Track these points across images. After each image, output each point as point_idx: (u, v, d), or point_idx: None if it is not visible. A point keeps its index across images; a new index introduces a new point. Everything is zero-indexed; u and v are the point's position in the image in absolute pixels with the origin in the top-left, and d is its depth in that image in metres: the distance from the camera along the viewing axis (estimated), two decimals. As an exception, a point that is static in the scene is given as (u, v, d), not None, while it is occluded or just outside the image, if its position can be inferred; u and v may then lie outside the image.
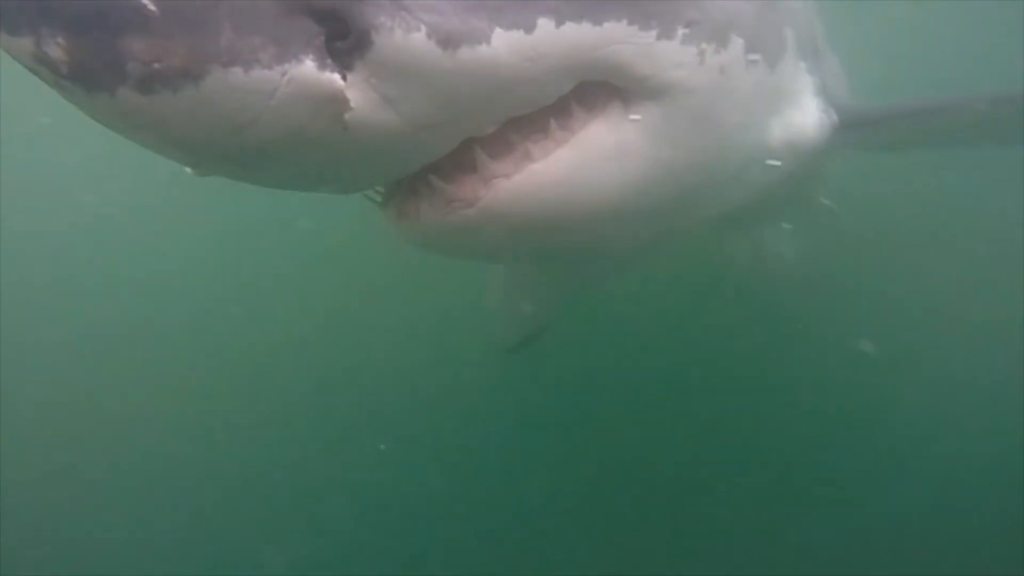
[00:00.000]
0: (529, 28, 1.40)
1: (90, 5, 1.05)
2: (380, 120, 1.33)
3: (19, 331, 6.48)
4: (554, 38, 1.44)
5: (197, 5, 1.10)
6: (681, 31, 1.62)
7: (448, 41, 1.31)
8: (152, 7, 1.06)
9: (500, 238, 1.74)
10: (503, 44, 1.37)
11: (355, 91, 1.26)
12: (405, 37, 1.26)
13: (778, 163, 2.20)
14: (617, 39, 1.53)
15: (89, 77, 1.09)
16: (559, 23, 1.43)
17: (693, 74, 1.67)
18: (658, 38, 1.59)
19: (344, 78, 1.24)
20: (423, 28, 1.27)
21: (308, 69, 1.20)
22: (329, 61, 1.22)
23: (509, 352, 4.22)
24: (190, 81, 1.11)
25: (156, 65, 1.08)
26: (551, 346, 4.16)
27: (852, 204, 3.60)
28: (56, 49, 1.07)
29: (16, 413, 5.94)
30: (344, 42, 1.23)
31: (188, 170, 1.42)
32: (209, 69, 1.11)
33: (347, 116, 1.27)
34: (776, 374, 4.70)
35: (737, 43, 1.77)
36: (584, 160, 1.65)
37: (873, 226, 4.41)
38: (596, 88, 1.63)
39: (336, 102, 1.25)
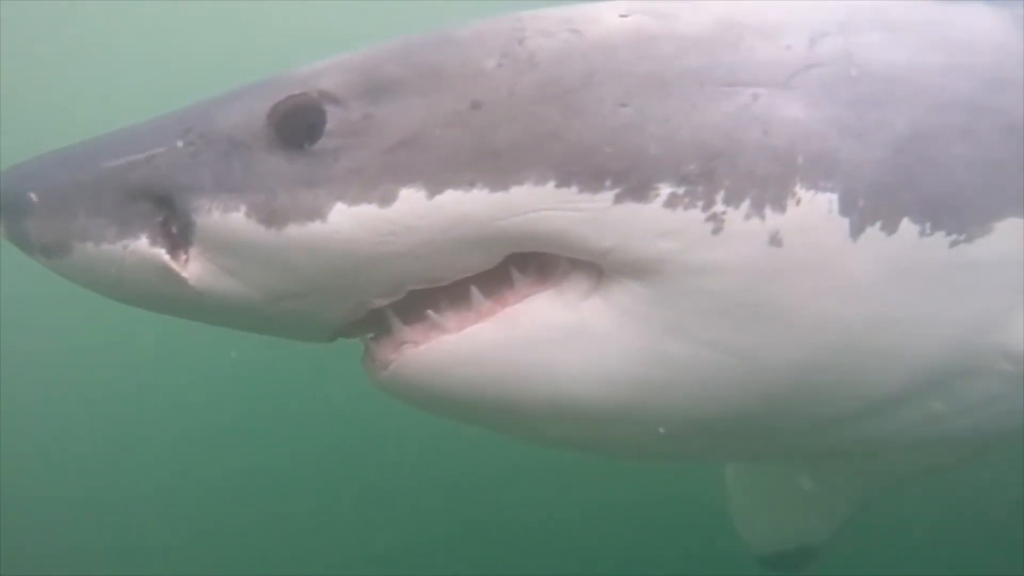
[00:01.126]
0: (385, 201, 1.27)
1: (10, 198, 1.43)
2: (226, 288, 1.38)
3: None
4: (427, 210, 1.27)
5: (63, 195, 1.39)
6: (667, 190, 1.25)
7: (272, 219, 1.30)
8: (35, 199, 1.40)
9: (424, 406, 1.56)
10: (346, 220, 1.28)
11: (196, 263, 1.37)
12: (223, 217, 1.32)
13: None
14: (538, 205, 1.26)
15: (19, 244, 1.47)
16: (433, 193, 1.26)
17: (700, 248, 1.28)
18: (618, 201, 1.25)
19: (186, 251, 1.38)
20: (243, 207, 1.31)
21: (142, 244, 1.36)
22: (160, 238, 1.36)
23: (767, 567, 3.25)
24: (65, 250, 1.41)
25: (43, 239, 1.41)
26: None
27: None
28: (2, 227, 1.48)
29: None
30: (177, 222, 1.36)
31: None
32: (72, 243, 1.39)
33: (192, 283, 1.37)
34: None
35: (819, 200, 1.28)
36: (512, 340, 1.38)
37: None
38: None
39: (171, 272, 1.36)
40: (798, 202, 1.27)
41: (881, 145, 1.32)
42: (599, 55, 1.32)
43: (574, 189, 1.24)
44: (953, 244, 1.36)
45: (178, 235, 1.36)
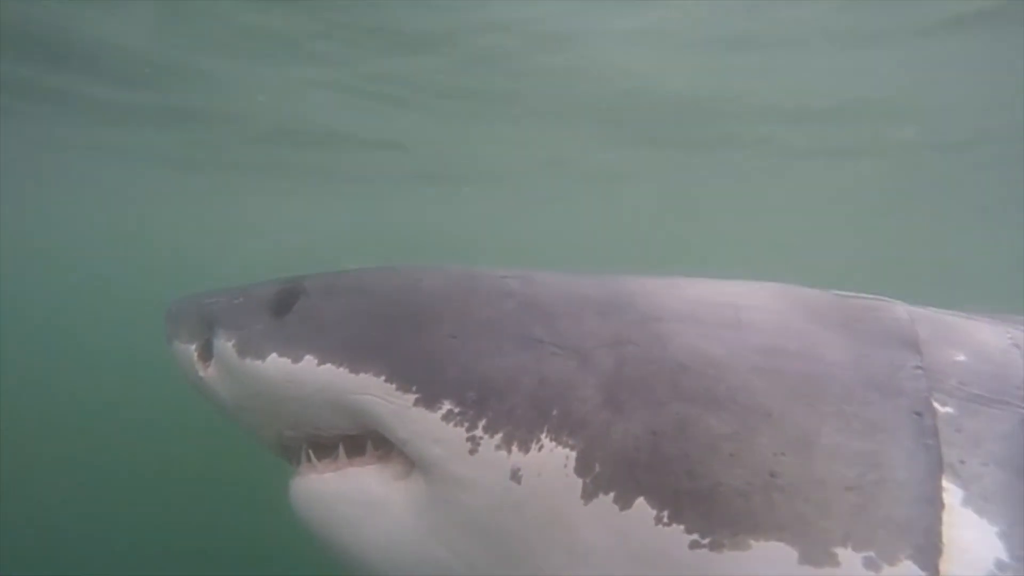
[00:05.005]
0: (296, 359, 1.73)
1: (166, 310, 2.01)
2: (218, 388, 1.90)
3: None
4: (313, 372, 1.70)
5: (179, 313, 1.98)
6: (447, 405, 1.56)
7: (242, 351, 1.80)
8: (171, 310, 1.99)
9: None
10: (273, 364, 1.75)
11: (212, 369, 1.90)
12: (224, 343, 1.84)
13: None
14: (371, 390, 1.63)
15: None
16: (321, 362, 1.70)
17: (458, 461, 1.53)
18: (415, 404, 1.59)
19: (210, 360, 1.91)
20: (234, 339, 1.83)
21: (191, 348, 1.94)
22: (201, 348, 1.92)
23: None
24: (167, 342, 1.99)
25: (165, 334, 1.99)
26: None
27: None
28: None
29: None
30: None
31: None
32: (171, 339, 1.98)
33: (206, 382, 1.92)
34: None
35: (558, 452, 1.44)
36: (340, 493, 1.73)
37: None
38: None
39: (196, 371, 1.93)
40: (540, 448, 1.45)
41: (639, 422, 1.41)
42: (458, 301, 1.70)
43: (394, 386, 1.60)
44: (693, 546, 1.32)
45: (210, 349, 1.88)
